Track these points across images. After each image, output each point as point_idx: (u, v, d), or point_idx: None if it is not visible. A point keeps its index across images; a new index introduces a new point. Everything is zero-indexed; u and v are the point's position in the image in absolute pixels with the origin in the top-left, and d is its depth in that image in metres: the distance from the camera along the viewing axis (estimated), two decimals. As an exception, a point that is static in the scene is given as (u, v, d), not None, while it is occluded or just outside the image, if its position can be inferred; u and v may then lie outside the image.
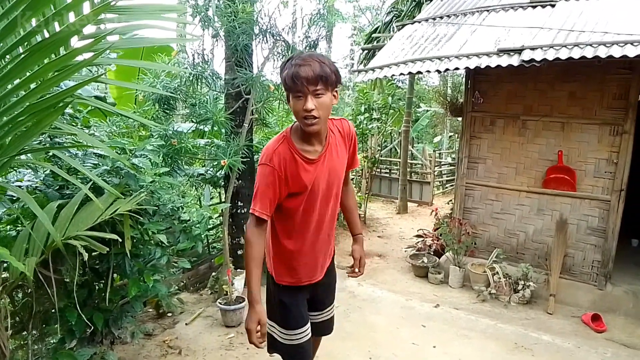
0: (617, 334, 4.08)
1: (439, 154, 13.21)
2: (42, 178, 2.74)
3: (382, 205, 10.56)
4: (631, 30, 3.83)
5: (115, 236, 2.27)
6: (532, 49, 4.04)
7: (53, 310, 2.54)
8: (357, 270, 2.38)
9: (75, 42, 1.92)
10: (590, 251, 4.71)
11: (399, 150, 10.99)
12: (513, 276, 4.84)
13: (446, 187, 12.48)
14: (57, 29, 1.78)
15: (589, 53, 3.73)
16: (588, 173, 4.64)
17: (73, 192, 2.65)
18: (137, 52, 5.11)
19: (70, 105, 2.86)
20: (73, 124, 3.04)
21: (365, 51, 8.49)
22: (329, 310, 2.38)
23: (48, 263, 2.25)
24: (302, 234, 2.03)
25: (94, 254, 2.65)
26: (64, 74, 1.68)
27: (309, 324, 2.17)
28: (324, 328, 2.40)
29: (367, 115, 8.82)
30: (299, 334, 2.11)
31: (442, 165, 12.92)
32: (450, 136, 16.43)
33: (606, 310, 4.42)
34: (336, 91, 1.86)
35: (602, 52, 3.68)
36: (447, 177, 12.77)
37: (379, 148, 10.32)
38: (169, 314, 4.06)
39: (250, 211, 1.90)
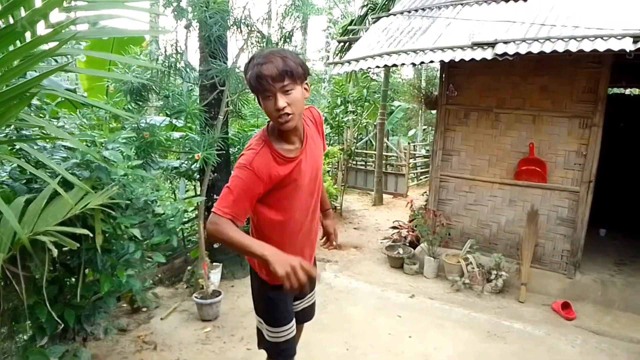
0: (586, 321, 4.20)
1: (414, 146, 13.34)
2: (8, 171, 2.65)
3: (357, 197, 10.61)
4: (601, 24, 3.91)
5: (86, 231, 2.21)
6: (505, 42, 4.10)
7: (23, 307, 2.47)
8: (333, 243, 2.46)
9: (42, 31, 1.85)
10: (560, 241, 4.83)
11: (374, 143, 11.05)
12: (486, 266, 4.93)
13: (421, 179, 12.62)
14: (23, 14, 1.71)
15: (560, 47, 3.81)
16: (558, 165, 4.75)
17: (41, 186, 2.56)
18: (107, 43, 4.97)
19: (37, 97, 2.77)
20: (40, 115, 2.94)
21: (341, 43, 8.47)
22: (310, 297, 2.38)
23: (16, 259, 2.18)
24: (289, 229, 2.00)
25: (64, 249, 2.58)
26: (29, 62, 1.62)
27: (294, 319, 2.17)
28: (305, 314, 2.40)
29: (342, 107, 8.83)
30: (286, 330, 2.10)
31: (417, 157, 13.06)
32: (424, 129, 16.60)
33: (575, 299, 4.55)
34: (307, 84, 1.81)
35: (573, 47, 3.76)
36: (421, 169, 12.92)
37: (355, 140, 10.35)
38: (144, 309, 3.99)
39: (220, 213, 1.73)
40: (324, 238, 2.47)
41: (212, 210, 1.77)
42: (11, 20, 1.69)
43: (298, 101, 1.74)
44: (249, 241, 1.70)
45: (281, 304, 2.10)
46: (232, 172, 1.86)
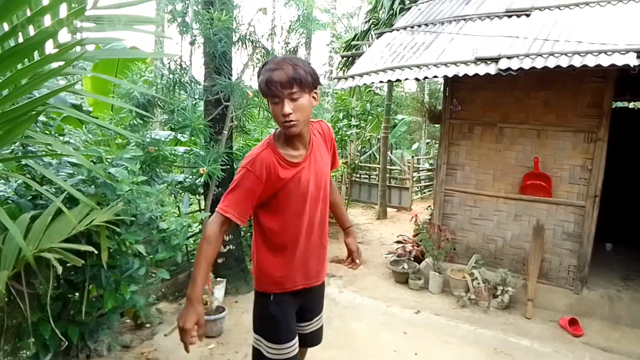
0: (594, 338, 4.15)
1: (417, 159, 13.33)
2: (14, 188, 2.66)
3: (361, 210, 10.58)
4: (604, 39, 3.92)
5: (91, 248, 2.20)
6: (509, 57, 4.11)
7: (26, 324, 2.45)
8: (357, 261, 2.39)
9: (50, 51, 1.87)
10: (566, 256, 4.79)
11: (377, 156, 11.05)
12: (492, 281, 4.89)
13: (424, 193, 12.59)
14: (32, 33, 1.73)
15: (564, 62, 3.81)
16: (563, 179, 4.73)
17: (47, 202, 2.56)
18: (113, 60, 5.02)
19: (43, 113, 2.78)
20: (46, 132, 2.96)
21: (344, 58, 8.53)
22: (317, 320, 2.34)
23: (20, 276, 2.18)
24: (293, 237, 2.00)
25: (68, 264, 2.57)
26: (37, 80, 1.64)
27: (297, 337, 2.14)
28: (312, 339, 2.35)
29: (346, 121, 8.87)
30: (288, 347, 2.07)
31: (420, 170, 13.04)
32: (427, 142, 16.61)
33: (583, 315, 4.50)
34: (316, 93, 1.86)
35: (577, 62, 3.76)
36: (425, 182, 12.89)
37: (358, 154, 10.35)
38: (147, 325, 3.96)
39: (221, 211, 1.86)
40: (348, 258, 2.43)
41: (216, 209, 1.88)
42: (20, 39, 1.71)
43: (304, 108, 1.80)
44: (198, 271, 1.85)
45: (283, 321, 2.08)
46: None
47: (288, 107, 1.75)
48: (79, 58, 1.87)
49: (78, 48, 1.86)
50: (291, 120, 1.77)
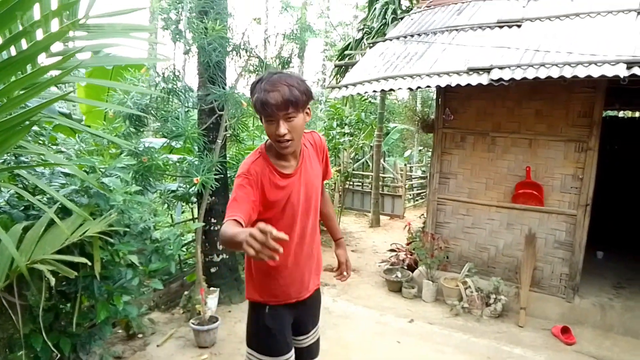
0: (586, 346, 4.17)
1: (410, 167, 13.38)
2: (6, 198, 2.63)
3: (354, 218, 10.58)
4: (594, 50, 3.97)
5: (84, 259, 2.19)
6: (501, 68, 4.15)
7: (18, 336, 2.42)
8: (344, 273, 2.38)
9: (43, 60, 1.87)
10: (558, 264, 4.82)
11: (370, 164, 11.08)
12: (485, 290, 4.90)
13: (417, 200, 12.62)
14: (25, 46, 1.73)
15: (554, 73, 3.85)
16: (555, 188, 4.77)
17: (40, 213, 2.54)
18: (107, 69, 5.02)
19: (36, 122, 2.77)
20: (39, 141, 2.95)
21: (338, 67, 8.57)
22: (314, 333, 2.31)
23: (12, 288, 2.16)
24: (285, 249, 1.97)
25: (60, 275, 2.55)
26: (31, 92, 1.63)
27: (293, 350, 2.11)
28: (309, 352, 2.31)
29: (339, 129, 8.89)
30: None
31: (413, 178, 13.08)
32: (420, 150, 16.68)
33: (575, 323, 4.52)
34: (309, 108, 1.87)
35: (568, 72, 3.81)
36: (417, 190, 12.93)
37: (351, 162, 10.37)
38: (140, 335, 3.93)
39: (229, 217, 1.69)
40: (337, 269, 2.41)
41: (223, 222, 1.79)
42: (13, 52, 1.70)
43: (299, 127, 1.81)
44: (237, 230, 1.56)
45: (279, 333, 2.05)
46: (230, 195, 1.89)
47: (283, 128, 1.75)
48: (77, 67, 1.87)
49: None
50: (286, 140, 1.78)
